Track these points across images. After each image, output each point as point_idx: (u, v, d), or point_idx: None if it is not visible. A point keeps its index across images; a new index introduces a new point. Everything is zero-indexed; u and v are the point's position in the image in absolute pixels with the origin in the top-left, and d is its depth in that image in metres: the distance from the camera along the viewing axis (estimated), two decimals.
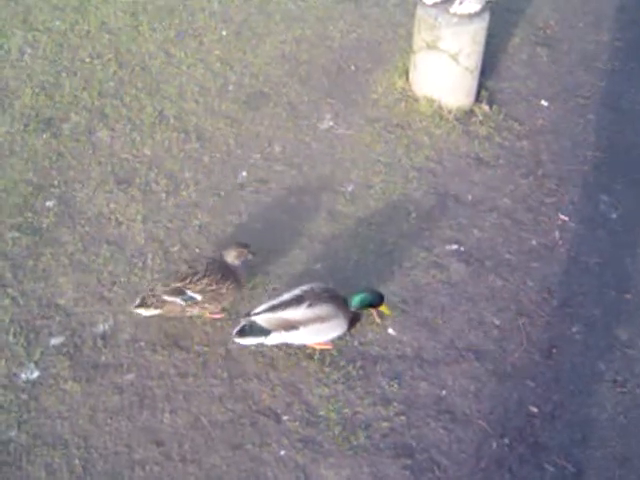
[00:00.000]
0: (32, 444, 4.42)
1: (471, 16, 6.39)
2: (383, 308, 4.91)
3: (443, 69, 6.58)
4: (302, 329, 4.64)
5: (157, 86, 6.90)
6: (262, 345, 4.81)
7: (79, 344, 4.90)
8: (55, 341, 4.91)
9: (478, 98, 6.89)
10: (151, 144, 6.32)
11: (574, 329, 5.23)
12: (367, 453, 4.48)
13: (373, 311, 4.99)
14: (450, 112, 6.71)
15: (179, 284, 4.83)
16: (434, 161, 6.36)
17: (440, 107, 6.74)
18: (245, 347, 4.86)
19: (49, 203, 5.76)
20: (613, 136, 6.77)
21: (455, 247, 5.69)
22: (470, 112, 6.79)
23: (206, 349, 4.92)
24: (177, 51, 7.29)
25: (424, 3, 6.52)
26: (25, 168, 6.02)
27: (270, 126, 6.61)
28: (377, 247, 5.63)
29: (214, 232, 5.66)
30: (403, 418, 4.65)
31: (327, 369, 4.85)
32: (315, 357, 4.89)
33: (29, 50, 7.18)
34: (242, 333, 4.71)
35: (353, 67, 7.29)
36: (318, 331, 4.68)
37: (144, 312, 4.89)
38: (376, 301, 4.83)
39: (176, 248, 5.52)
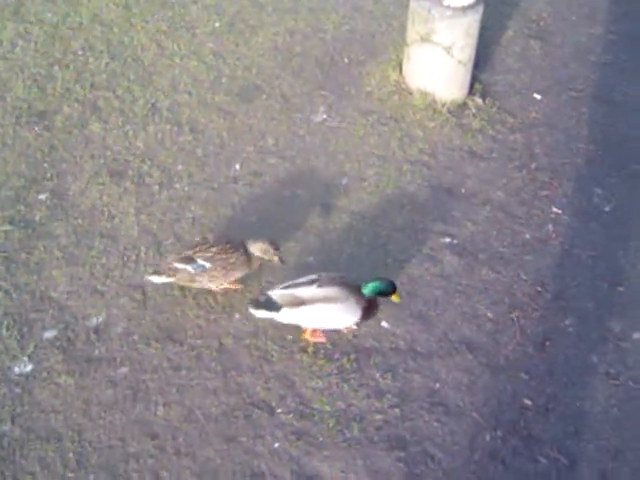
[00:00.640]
0: (26, 438, 4.41)
1: (465, 9, 6.37)
2: (394, 297, 4.89)
3: (436, 62, 6.57)
4: (310, 307, 4.66)
5: (150, 78, 6.88)
6: (273, 320, 4.83)
7: (72, 337, 4.90)
8: (48, 334, 4.90)
9: (471, 91, 6.89)
10: (144, 136, 6.31)
11: (567, 322, 5.24)
12: (361, 445, 4.49)
13: None
14: (443, 105, 6.71)
15: (190, 252, 4.95)
16: (428, 154, 6.36)
17: (434, 100, 6.73)
18: (259, 319, 4.88)
19: (42, 196, 5.75)
20: (606, 129, 6.78)
21: (448, 240, 5.69)
22: (463, 105, 6.79)
23: (200, 342, 4.92)
24: (170, 43, 7.27)
25: None
26: (17, 161, 5.99)
27: (263, 119, 6.59)
28: (370, 240, 5.63)
29: (207, 225, 5.65)
30: (397, 410, 4.66)
31: (321, 362, 4.85)
32: (309, 350, 4.89)
33: (21, 42, 7.14)
34: (257, 305, 4.78)
35: (346, 59, 7.28)
36: (326, 312, 4.69)
37: (156, 279, 4.99)
38: (388, 289, 4.79)
39: (169, 241, 5.51)
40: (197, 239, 5.15)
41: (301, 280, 4.78)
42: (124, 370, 4.76)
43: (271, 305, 4.73)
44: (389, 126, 6.58)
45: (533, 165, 6.36)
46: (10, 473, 4.26)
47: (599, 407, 4.80)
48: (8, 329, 4.90)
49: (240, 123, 6.53)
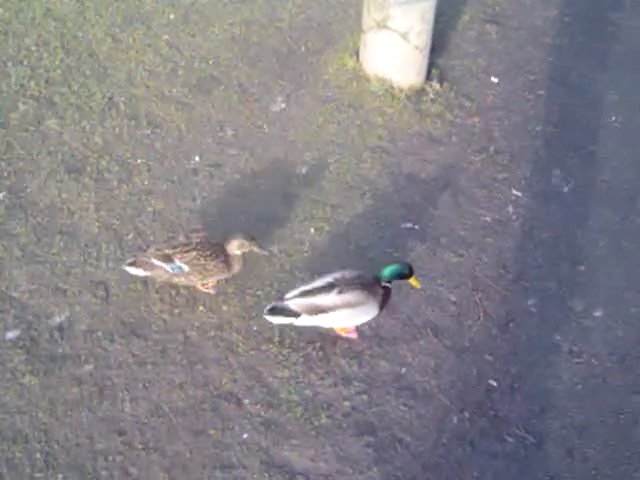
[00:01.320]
0: None
1: None
2: (412, 280, 4.90)
3: (393, 48, 6.59)
4: (331, 314, 4.67)
5: (105, 72, 6.80)
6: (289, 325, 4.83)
7: (35, 337, 4.84)
8: (11, 335, 4.84)
9: (429, 76, 6.92)
10: (101, 131, 6.24)
11: (530, 302, 5.30)
12: (330, 433, 4.50)
13: None
14: (401, 91, 6.73)
15: (170, 251, 4.88)
16: (387, 140, 6.38)
17: (391, 86, 6.75)
18: (275, 324, 4.86)
19: None
20: (563, 111, 6.85)
21: (410, 225, 5.72)
22: (421, 90, 6.81)
23: (164, 336, 4.89)
24: (125, 36, 7.20)
25: None
26: None
27: (221, 110, 6.56)
28: (333, 228, 5.64)
29: (169, 218, 5.61)
30: (364, 397, 4.68)
31: (286, 351, 4.85)
32: (275, 339, 4.89)
33: None
34: (273, 311, 4.73)
35: (303, 48, 7.26)
36: (348, 316, 4.72)
37: (132, 271, 4.95)
38: (406, 272, 4.80)
39: (130, 236, 5.46)
40: (181, 238, 4.97)
41: (318, 284, 4.72)
42: (89, 367, 4.72)
43: (289, 312, 4.70)
44: (348, 113, 6.59)
45: (492, 148, 6.41)
46: None
47: (563, 385, 4.86)
48: None
49: (198, 115, 6.49)
